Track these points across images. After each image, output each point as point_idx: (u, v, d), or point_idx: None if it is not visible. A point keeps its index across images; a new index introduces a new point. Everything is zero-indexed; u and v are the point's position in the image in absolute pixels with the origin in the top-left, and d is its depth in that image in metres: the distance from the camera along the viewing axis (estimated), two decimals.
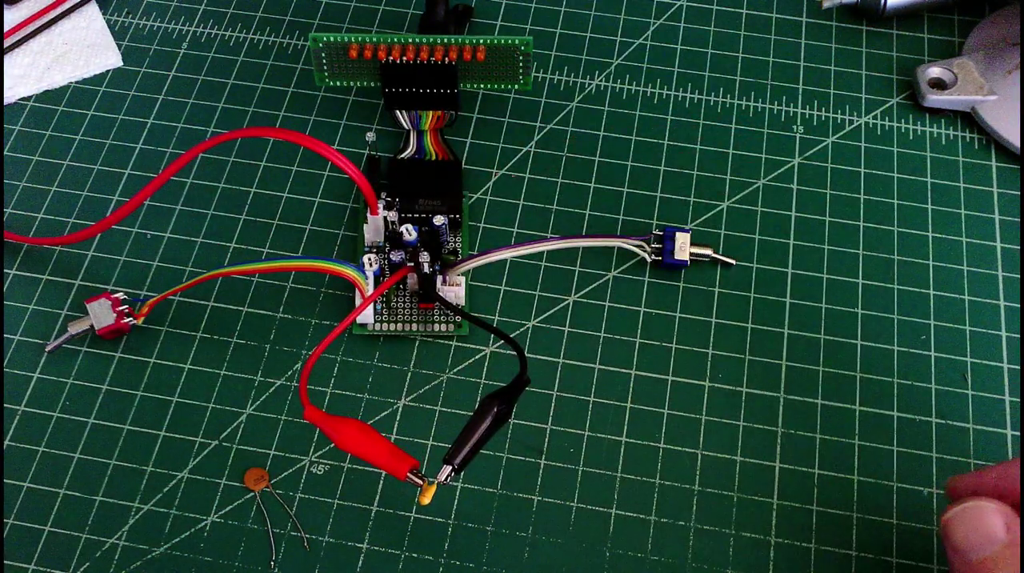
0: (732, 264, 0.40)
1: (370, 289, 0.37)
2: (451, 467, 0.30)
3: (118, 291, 0.38)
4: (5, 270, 0.40)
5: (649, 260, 0.40)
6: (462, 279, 0.38)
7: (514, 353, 0.35)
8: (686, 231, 0.40)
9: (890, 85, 0.45)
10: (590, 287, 0.40)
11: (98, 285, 0.40)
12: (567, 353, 0.38)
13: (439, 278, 0.38)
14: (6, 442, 0.36)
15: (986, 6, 0.48)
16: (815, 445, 0.36)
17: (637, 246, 0.40)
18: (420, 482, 0.31)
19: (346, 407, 0.37)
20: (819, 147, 0.43)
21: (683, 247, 0.39)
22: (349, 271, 0.36)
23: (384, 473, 0.35)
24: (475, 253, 0.40)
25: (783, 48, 0.46)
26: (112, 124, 0.44)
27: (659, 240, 0.40)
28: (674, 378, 0.38)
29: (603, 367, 0.38)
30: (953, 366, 0.38)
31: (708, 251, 0.40)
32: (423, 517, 0.35)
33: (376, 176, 0.42)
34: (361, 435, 0.32)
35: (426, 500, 0.30)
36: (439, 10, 0.44)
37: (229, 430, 0.37)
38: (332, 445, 0.36)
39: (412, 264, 0.37)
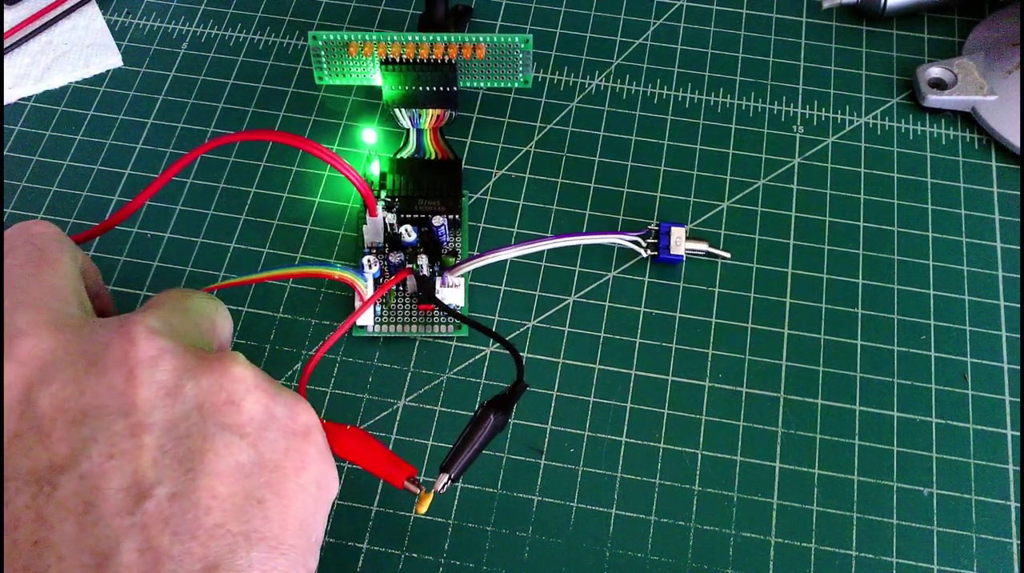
0: (727, 257, 0.40)
1: (369, 291, 0.37)
2: (448, 476, 0.30)
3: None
4: None
5: (645, 255, 0.40)
6: (461, 280, 0.38)
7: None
8: (681, 226, 0.40)
9: (890, 85, 0.45)
10: (590, 287, 0.40)
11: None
12: (567, 353, 0.38)
13: (439, 279, 0.38)
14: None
15: (986, 6, 0.48)
16: (815, 445, 0.36)
17: (633, 242, 0.40)
18: (417, 491, 0.31)
19: (346, 407, 0.37)
20: (819, 147, 0.43)
21: (678, 242, 0.39)
22: (347, 275, 0.36)
23: None
24: (474, 254, 0.40)
25: (783, 48, 0.46)
26: (112, 124, 0.44)
27: (655, 236, 0.40)
28: (674, 378, 0.38)
29: (603, 367, 0.38)
30: (953, 366, 0.38)
31: (703, 246, 0.40)
32: (423, 517, 0.35)
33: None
34: (359, 443, 0.32)
35: (423, 509, 0.30)
36: (438, 10, 0.44)
37: None
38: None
39: (411, 266, 0.37)
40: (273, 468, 0.25)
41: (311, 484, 0.26)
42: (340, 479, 0.35)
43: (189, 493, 0.23)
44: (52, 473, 0.22)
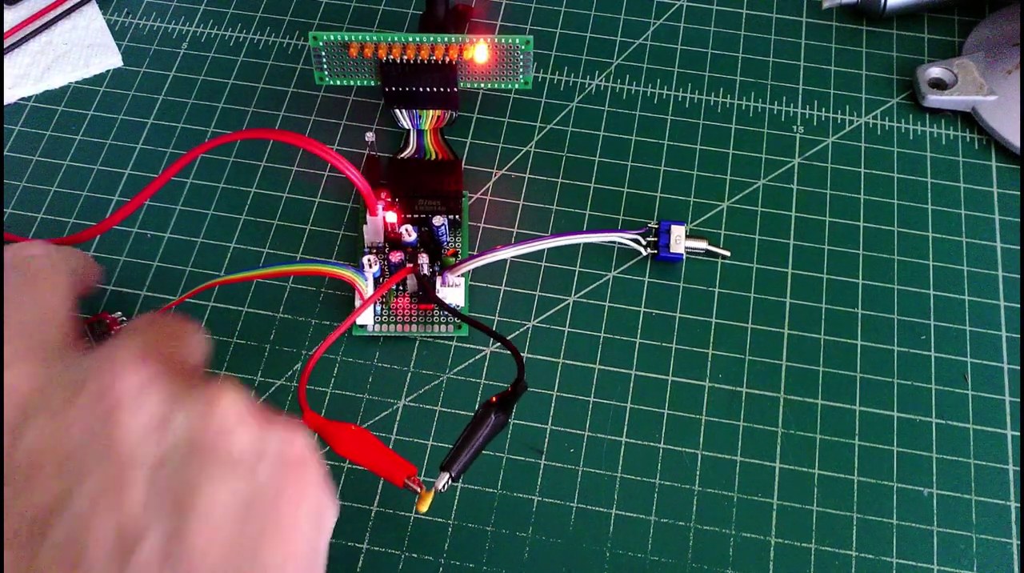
0: (727, 255, 0.40)
1: (369, 290, 0.37)
2: (448, 475, 0.30)
3: (115, 312, 0.38)
4: None
5: (645, 254, 0.40)
6: (461, 280, 0.38)
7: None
8: (681, 225, 0.40)
9: (890, 85, 0.45)
10: (590, 287, 0.40)
11: (98, 286, 0.39)
12: (567, 353, 0.38)
13: (439, 279, 0.38)
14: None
15: (986, 6, 0.48)
16: (815, 445, 0.36)
17: (633, 240, 0.40)
18: (418, 489, 0.31)
19: (346, 407, 0.37)
20: (819, 147, 0.43)
21: (678, 240, 0.40)
22: (347, 273, 0.36)
23: None
24: (474, 253, 0.40)
25: (783, 48, 0.46)
26: (112, 124, 0.44)
27: (656, 234, 0.40)
28: (674, 378, 0.38)
29: (603, 367, 0.38)
30: (953, 366, 0.38)
31: (703, 244, 0.40)
32: (423, 517, 0.35)
33: (376, 176, 0.42)
34: (360, 441, 0.32)
35: (424, 507, 0.30)
36: (439, 10, 0.44)
37: None
38: None
39: (412, 265, 0.37)
40: (270, 500, 0.24)
41: (311, 514, 0.25)
42: (340, 479, 0.35)
43: (183, 534, 0.22)
44: (42, 518, 0.21)
